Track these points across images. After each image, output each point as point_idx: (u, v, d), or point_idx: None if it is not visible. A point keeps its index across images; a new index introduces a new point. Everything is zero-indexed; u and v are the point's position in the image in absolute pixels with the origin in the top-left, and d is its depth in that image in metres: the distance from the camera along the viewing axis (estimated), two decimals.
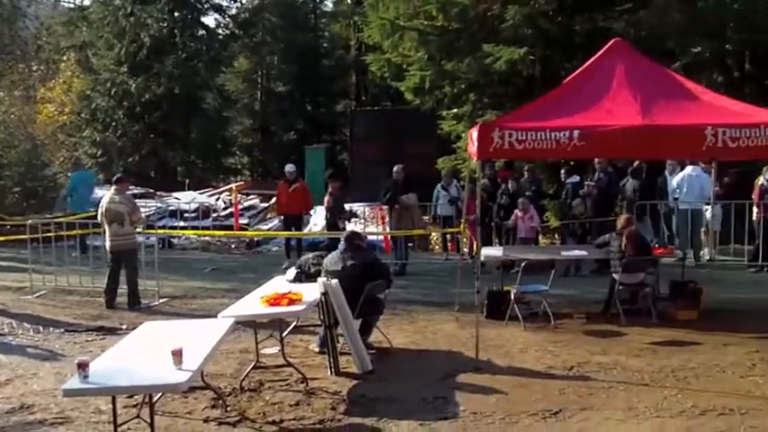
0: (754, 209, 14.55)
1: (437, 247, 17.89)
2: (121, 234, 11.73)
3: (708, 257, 14.12)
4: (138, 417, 6.56)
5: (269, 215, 21.49)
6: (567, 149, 8.49)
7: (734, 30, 18.95)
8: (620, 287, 10.61)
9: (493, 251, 12.52)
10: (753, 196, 14.62)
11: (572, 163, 15.99)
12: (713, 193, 13.71)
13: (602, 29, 17.03)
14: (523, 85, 19.08)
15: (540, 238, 16.13)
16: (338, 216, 15.19)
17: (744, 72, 20.40)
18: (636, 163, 15.28)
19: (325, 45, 40.82)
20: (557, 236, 17.53)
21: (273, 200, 19.22)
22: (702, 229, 15.21)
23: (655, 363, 8.48)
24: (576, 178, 15.57)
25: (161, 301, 12.23)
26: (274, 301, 8.17)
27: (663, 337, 9.58)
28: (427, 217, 17.59)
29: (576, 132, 8.32)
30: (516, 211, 14.46)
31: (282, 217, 17.09)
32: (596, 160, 14.72)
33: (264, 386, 7.88)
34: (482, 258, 11.25)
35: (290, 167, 16.41)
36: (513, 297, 10.48)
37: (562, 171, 16.21)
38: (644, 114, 8.59)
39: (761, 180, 14.45)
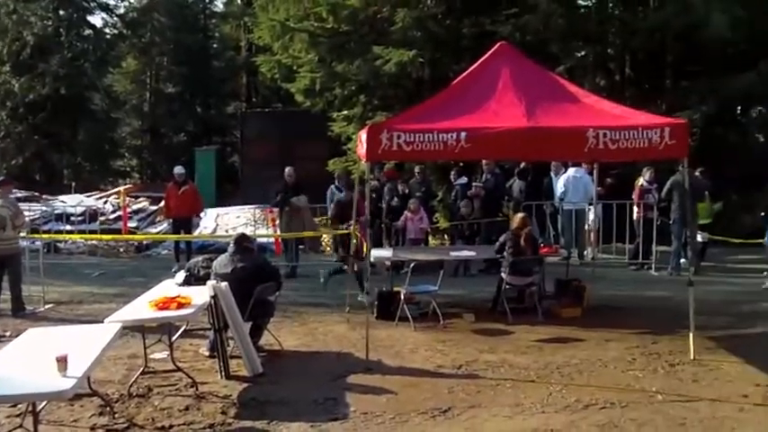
0: (635, 209, 15.08)
1: (328, 248, 17.88)
2: (4, 239, 11.30)
3: (591, 256, 14.53)
4: (21, 426, 6.35)
5: (158, 218, 21.08)
6: (455, 151, 8.57)
7: (615, 35, 19.62)
8: (507, 286, 10.82)
9: (383, 252, 12.57)
10: (633, 196, 15.15)
11: (461, 164, 16.22)
12: (595, 193, 14.11)
13: (490, 32, 17.39)
14: (413, 87, 19.30)
15: (429, 238, 16.29)
16: None
17: (624, 76, 21.12)
18: (522, 164, 15.62)
19: (215, 46, 40.43)
20: (446, 236, 17.76)
21: (162, 203, 18.88)
22: (586, 228, 15.64)
23: (540, 359, 8.67)
24: (464, 180, 15.80)
25: (47, 306, 11.84)
26: (163, 305, 8.01)
27: (548, 334, 9.81)
28: (319, 219, 17.53)
29: (462, 134, 8.41)
30: (406, 212, 14.56)
31: (172, 220, 16.78)
32: (484, 162, 14.97)
33: (153, 391, 7.70)
34: (372, 260, 11.29)
35: (179, 169, 16.16)
36: (402, 298, 10.55)
37: (452, 172, 16.43)
38: (529, 116, 8.75)
39: (641, 181, 14.98)
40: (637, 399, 7.29)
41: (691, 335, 8.73)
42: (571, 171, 15.33)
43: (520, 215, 11.61)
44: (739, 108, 19.93)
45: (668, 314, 10.60)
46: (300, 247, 15.78)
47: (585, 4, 21.43)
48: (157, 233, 19.18)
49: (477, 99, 9.27)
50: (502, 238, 11.20)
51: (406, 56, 17.98)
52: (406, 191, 15.50)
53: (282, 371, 8.45)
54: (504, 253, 10.87)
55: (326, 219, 16.59)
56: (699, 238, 14.32)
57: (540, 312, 10.69)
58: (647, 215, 14.75)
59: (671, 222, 14.11)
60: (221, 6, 42.12)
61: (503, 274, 10.83)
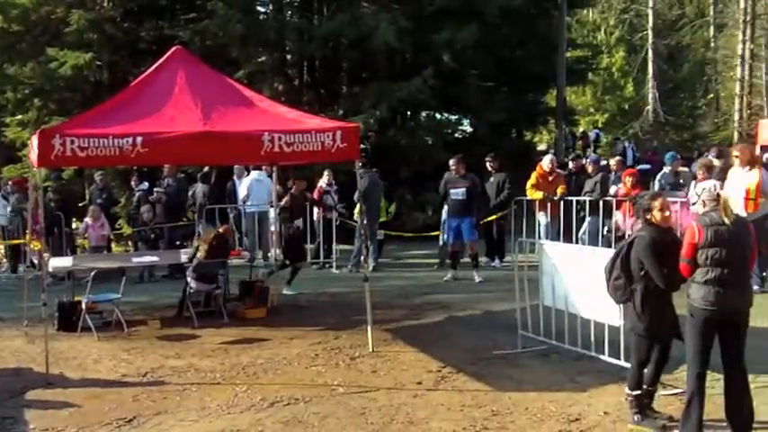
0: (315, 209, 15.55)
1: (3, 259, 16.73)
2: None
3: (275, 258, 14.79)
4: None
5: None
6: (131, 156, 8.37)
7: (292, 41, 20.14)
8: (191, 290, 10.77)
9: (61, 261, 12.01)
10: (314, 196, 15.62)
11: (145, 170, 15.90)
12: (275, 195, 14.39)
13: (169, 36, 17.20)
14: (91, 90, 18.61)
15: (112, 245, 15.81)
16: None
17: (303, 81, 21.73)
18: (206, 168, 15.59)
19: None
20: (130, 243, 17.29)
21: None
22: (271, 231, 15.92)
23: (226, 361, 8.73)
24: (145, 185, 15.51)
25: None
26: None
27: (234, 336, 9.90)
28: None
29: (138, 139, 8.24)
30: (86, 219, 14.04)
31: None
32: (165, 167, 14.77)
33: None
34: (50, 269, 10.75)
35: None
36: (84, 307, 10.17)
37: (132, 178, 16.04)
38: (205, 121, 8.76)
39: (320, 182, 15.52)
40: (320, 393, 7.54)
41: (369, 328, 9.19)
42: (254, 174, 15.52)
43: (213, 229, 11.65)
44: (409, 112, 21.20)
45: (349, 310, 11.11)
46: None
47: (264, 10, 21.79)
48: None
49: (153, 103, 9.13)
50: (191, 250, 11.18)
51: (83, 59, 17.31)
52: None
53: None
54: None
55: None
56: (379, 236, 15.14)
57: (225, 315, 10.77)
58: (327, 215, 15.31)
59: (357, 222, 14.71)
60: None
61: (188, 279, 10.77)
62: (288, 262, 12.62)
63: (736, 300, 5.76)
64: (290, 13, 22.01)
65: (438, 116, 22.30)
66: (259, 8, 21.60)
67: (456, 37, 18.86)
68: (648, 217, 6.19)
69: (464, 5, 19.41)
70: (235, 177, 16.31)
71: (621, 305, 6.58)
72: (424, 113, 21.45)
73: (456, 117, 23.40)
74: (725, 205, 5.84)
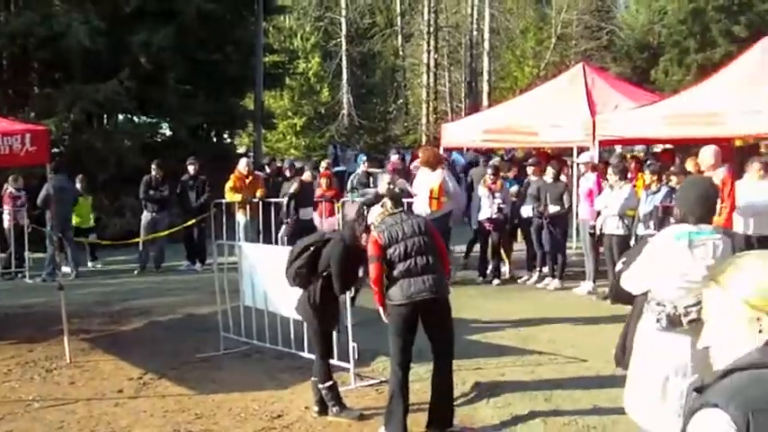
0: (5, 216, 14.71)
1: None
2: None
3: None
4: None
5: None
6: None
7: None
8: None
9: None
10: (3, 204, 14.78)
11: None
12: None
13: None
14: None
15: None
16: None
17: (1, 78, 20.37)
18: None
19: None
20: None
21: None
22: None
23: None
24: None
25: None
26: None
27: None
28: None
29: None
30: None
31: None
32: None
33: None
34: None
35: None
36: None
37: None
38: None
39: (9, 188, 14.69)
40: (13, 410, 7.24)
41: (65, 339, 8.90)
42: None
43: None
44: (105, 115, 20.60)
45: (44, 321, 10.59)
46: None
47: None
48: None
49: None
50: None
51: None
52: None
53: None
54: None
55: None
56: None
57: None
58: (19, 222, 14.55)
59: (49, 228, 14.09)
60: None
61: None
62: None
63: (426, 289, 6.02)
64: None
65: (136, 119, 21.90)
66: None
67: (152, 39, 18.65)
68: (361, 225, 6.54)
69: (160, 7, 19.20)
70: None
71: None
72: (120, 116, 20.96)
73: (155, 120, 23.10)
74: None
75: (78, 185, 14.97)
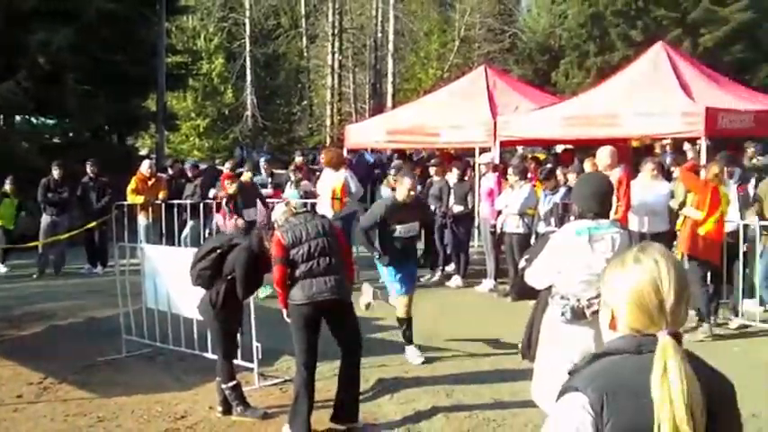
0: None
1: None
2: None
3: None
4: None
5: None
6: None
7: None
8: None
9: None
10: None
11: None
12: None
13: None
14: None
15: None
16: None
17: None
18: None
19: None
20: None
21: None
22: None
23: None
24: None
25: None
26: None
27: None
28: None
29: None
30: None
31: None
32: None
33: None
34: None
35: None
36: None
37: None
38: None
39: None
40: None
41: None
42: None
43: None
44: (2, 116, 20.10)
45: None
46: None
47: None
48: None
49: None
50: None
51: None
52: None
53: None
54: None
55: None
56: None
57: None
58: None
59: None
60: None
61: None
62: None
63: (328, 290, 6.13)
64: None
65: (34, 120, 21.37)
66: None
67: (52, 38, 18.23)
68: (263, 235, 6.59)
69: (58, 6, 18.78)
70: None
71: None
72: (18, 117, 20.43)
73: (54, 121, 22.58)
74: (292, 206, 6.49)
75: (7, 187, 14.60)
